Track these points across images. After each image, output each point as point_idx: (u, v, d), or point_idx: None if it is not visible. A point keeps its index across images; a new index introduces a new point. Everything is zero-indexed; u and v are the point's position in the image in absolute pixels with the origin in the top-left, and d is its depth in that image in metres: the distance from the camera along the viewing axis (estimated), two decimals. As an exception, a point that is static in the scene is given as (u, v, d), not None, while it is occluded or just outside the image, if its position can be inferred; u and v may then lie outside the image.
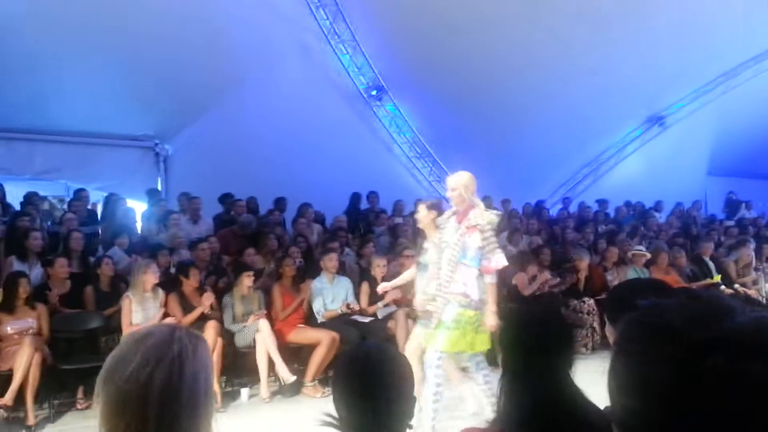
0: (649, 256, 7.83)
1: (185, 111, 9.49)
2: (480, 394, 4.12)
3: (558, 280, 7.27)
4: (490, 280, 3.96)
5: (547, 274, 7.12)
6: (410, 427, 1.46)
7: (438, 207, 4.45)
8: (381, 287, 5.27)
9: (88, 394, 5.22)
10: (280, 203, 8.61)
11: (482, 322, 3.92)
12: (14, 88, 7.72)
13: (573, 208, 11.30)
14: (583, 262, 7.42)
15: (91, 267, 5.92)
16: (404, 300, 6.28)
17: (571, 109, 10.70)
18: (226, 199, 8.39)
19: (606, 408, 1.08)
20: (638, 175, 12.43)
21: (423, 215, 4.40)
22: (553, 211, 11.52)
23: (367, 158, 10.78)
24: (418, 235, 4.74)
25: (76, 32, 7.45)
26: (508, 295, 7.03)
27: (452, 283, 3.96)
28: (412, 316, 6.10)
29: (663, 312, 0.80)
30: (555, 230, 9.66)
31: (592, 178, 13.06)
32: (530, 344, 1.74)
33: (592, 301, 7.08)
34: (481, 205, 4.14)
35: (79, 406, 5.15)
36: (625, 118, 12.09)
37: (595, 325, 6.90)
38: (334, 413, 1.46)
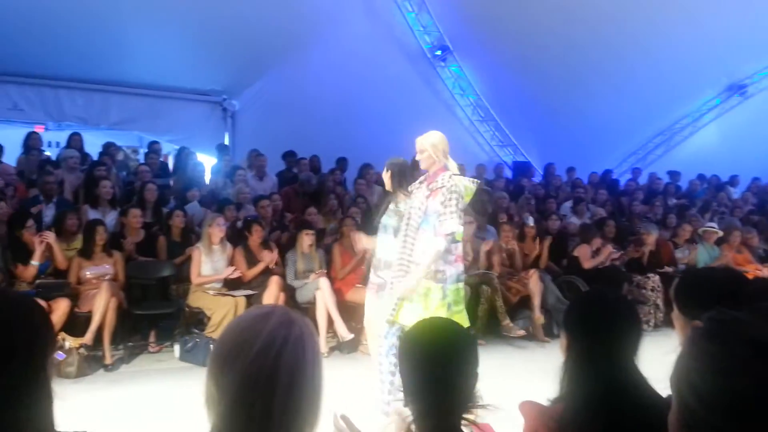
0: (720, 233, 7.50)
1: (252, 68, 9.62)
2: (378, 386, 3.74)
3: (620, 253, 7.10)
4: (436, 245, 3.55)
5: (610, 248, 6.94)
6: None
7: (402, 167, 4.09)
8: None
9: (160, 337, 5.56)
10: (341, 163, 8.68)
11: (455, 297, 3.63)
12: (92, 42, 8.00)
13: (642, 179, 10.88)
14: (651, 237, 7.18)
15: (164, 218, 6.18)
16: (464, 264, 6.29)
17: (645, 74, 10.20)
18: (289, 156, 8.53)
19: (668, 397, 1.07)
20: (714, 146, 11.82)
21: (387, 177, 4.11)
22: (621, 182, 11.14)
23: (428, 120, 10.47)
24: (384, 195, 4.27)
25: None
26: (568, 267, 6.93)
27: (414, 251, 3.64)
28: (468, 283, 6.13)
29: (748, 326, 0.80)
30: (622, 202, 9.36)
31: (665, 148, 12.51)
32: (596, 326, 1.72)
33: (657, 278, 6.88)
34: (454, 167, 3.78)
35: (151, 349, 5.48)
36: (703, 85, 11.44)
37: (659, 302, 6.72)
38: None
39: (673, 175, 10.66)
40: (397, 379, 3.54)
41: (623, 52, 9.84)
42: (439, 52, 10.84)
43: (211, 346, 5.14)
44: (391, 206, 4.08)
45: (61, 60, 8.26)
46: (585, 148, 10.90)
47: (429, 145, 3.72)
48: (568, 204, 8.57)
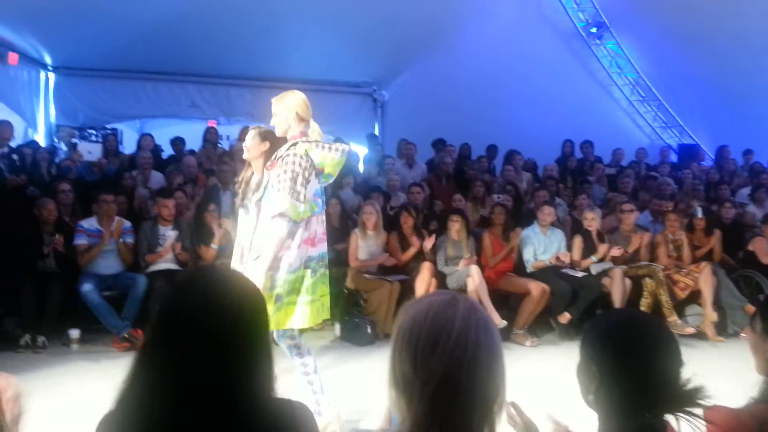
0: None
1: (401, 59, 9.83)
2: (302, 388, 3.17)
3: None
4: (276, 229, 3.03)
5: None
6: None
7: (273, 137, 3.34)
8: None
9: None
10: (490, 150, 8.61)
11: (290, 287, 3.09)
12: (258, 43, 8.67)
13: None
14: None
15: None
16: (624, 256, 5.97)
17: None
18: (438, 144, 8.61)
19: None
20: None
21: (252, 145, 3.33)
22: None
23: (581, 102, 10.18)
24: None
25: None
26: (744, 260, 6.28)
27: (255, 234, 3.15)
28: (630, 275, 5.80)
29: None
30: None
31: None
32: None
33: None
34: (316, 133, 3.22)
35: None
36: None
37: None
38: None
39: None
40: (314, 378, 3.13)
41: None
42: (594, 29, 10.28)
43: (369, 327, 5.44)
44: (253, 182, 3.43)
45: (231, 60, 9.05)
46: (763, 129, 9.72)
47: (284, 108, 3.19)
48: (745, 191, 7.73)
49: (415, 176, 7.85)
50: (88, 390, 4.04)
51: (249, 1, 7.92)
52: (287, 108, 3.19)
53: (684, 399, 1.30)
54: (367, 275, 5.78)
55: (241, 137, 6.80)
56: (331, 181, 3.33)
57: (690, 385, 1.31)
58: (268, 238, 3.07)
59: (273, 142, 3.30)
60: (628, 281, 5.72)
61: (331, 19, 8.68)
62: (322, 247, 3.29)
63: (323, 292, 3.31)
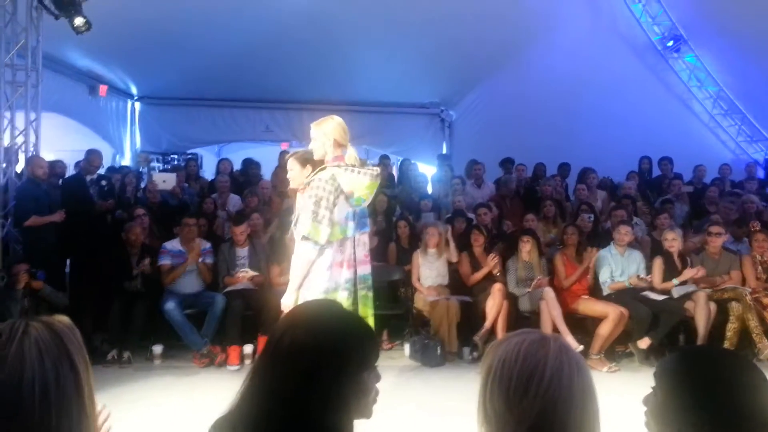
0: None
1: (468, 78, 9.86)
2: None
3: None
4: (303, 253, 3.14)
5: None
6: None
7: (313, 160, 3.40)
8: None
9: (391, 336, 5.94)
10: (562, 169, 8.42)
11: None
12: (328, 69, 8.92)
13: None
14: None
15: (392, 225, 6.61)
16: (706, 279, 5.67)
17: None
18: (506, 163, 8.51)
19: None
20: None
21: (295, 173, 3.40)
22: None
23: (658, 117, 9.82)
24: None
25: (376, 20, 8.24)
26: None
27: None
28: (715, 299, 5.50)
29: None
30: None
31: None
32: None
33: None
34: (353, 157, 3.29)
35: (384, 347, 5.87)
36: None
37: None
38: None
39: None
40: None
41: None
42: (670, 43, 9.94)
43: (439, 348, 5.39)
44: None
45: (302, 86, 9.35)
46: None
47: (320, 133, 3.30)
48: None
49: (484, 196, 7.78)
50: (171, 403, 4.26)
51: (316, 31, 8.18)
52: (325, 134, 3.29)
53: None
54: (429, 298, 5.74)
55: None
56: (364, 204, 3.41)
57: None
58: (296, 259, 3.20)
59: (314, 164, 3.38)
60: (713, 305, 5.42)
61: (398, 42, 8.82)
62: (364, 269, 3.38)
63: (364, 313, 3.35)
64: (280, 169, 8.13)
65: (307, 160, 3.43)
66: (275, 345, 1.23)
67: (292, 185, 3.49)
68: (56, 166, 7.03)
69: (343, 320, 1.27)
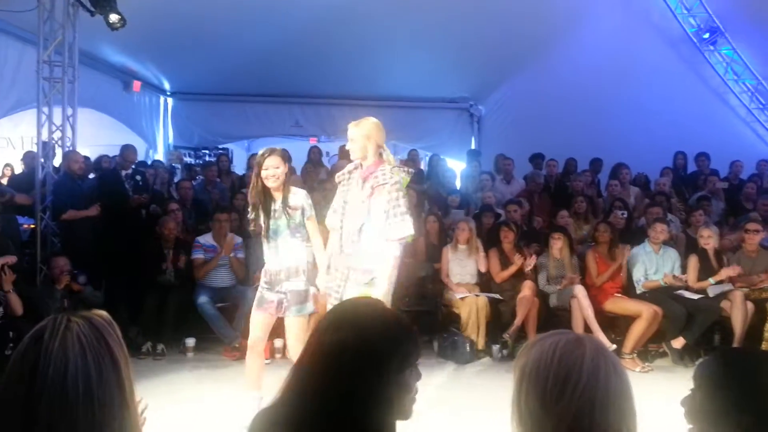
0: None
1: (497, 73, 9.76)
2: None
3: None
4: (392, 252, 3.25)
5: None
6: None
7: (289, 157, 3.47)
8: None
9: (420, 333, 5.93)
10: (594, 164, 8.29)
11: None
12: (357, 64, 8.94)
13: None
14: None
15: (422, 221, 6.57)
16: (743, 278, 5.53)
17: None
18: (536, 159, 8.41)
19: None
20: None
21: (282, 171, 3.38)
22: None
23: (694, 111, 9.59)
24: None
25: (405, 15, 8.20)
26: None
27: (360, 256, 3.31)
28: (752, 298, 5.36)
29: None
30: None
31: None
32: None
33: None
34: (391, 159, 3.41)
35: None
36: None
37: None
38: None
39: None
40: None
41: None
42: (706, 35, 9.68)
43: (468, 345, 5.35)
44: (277, 205, 3.49)
45: (332, 81, 9.38)
46: None
47: (361, 136, 3.33)
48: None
49: (513, 191, 7.69)
50: (204, 394, 4.33)
51: (346, 27, 8.17)
52: (365, 136, 3.34)
53: None
54: (457, 295, 5.70)
55: (342, 155, 7.02)
56: None
57: None
58: (384, 262, 3.27)
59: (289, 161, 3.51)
60: (750, 305, 5.29)
61: (427, 37, 8.77)
62: None
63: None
64: (310, 164, 8.18)
65: (287, 157, 3.58)
66: (318, 343, 1.23)
67: (275, 183, 3.43)
68: (102, 160, 7.22)
69: (386, 318, 1.27)
